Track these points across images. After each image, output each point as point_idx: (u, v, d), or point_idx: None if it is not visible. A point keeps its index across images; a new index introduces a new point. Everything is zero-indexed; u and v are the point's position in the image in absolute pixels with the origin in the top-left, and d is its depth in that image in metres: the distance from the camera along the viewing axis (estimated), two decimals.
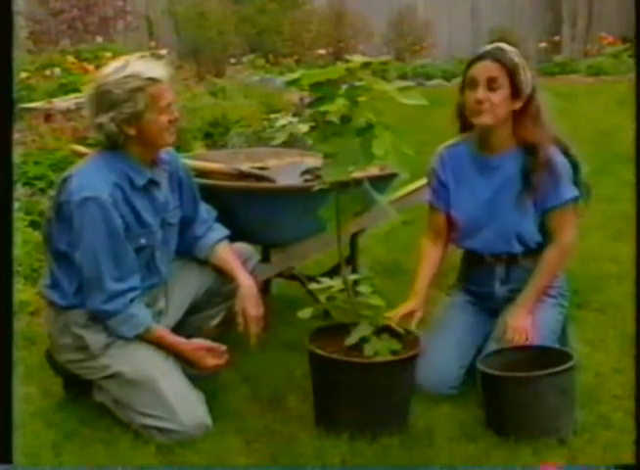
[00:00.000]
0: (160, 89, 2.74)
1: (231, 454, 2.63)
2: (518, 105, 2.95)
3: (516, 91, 2.92)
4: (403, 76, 10.87)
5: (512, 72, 2.91)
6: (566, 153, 3.02)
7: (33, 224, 4.34)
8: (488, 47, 3.00)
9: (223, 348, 2.85)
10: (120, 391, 2.77)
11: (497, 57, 2.93)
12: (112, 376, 2.77)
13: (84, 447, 2.66)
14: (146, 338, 2.78)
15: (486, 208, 3.03)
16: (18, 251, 3.96)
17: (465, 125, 3.04)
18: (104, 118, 2.72)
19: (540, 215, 3.00)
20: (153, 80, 2.72)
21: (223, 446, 2.66)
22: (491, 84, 2.90)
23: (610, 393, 2.98)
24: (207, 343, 2.86)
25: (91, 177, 2.72)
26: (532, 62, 12.86)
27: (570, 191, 2.98)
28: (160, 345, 2.80)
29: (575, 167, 3.04)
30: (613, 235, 4.70)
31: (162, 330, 2.83)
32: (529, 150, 2.96)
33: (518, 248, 3.04)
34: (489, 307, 3.15)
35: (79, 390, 2.92)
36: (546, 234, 3.02)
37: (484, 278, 3.11)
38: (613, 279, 4.04)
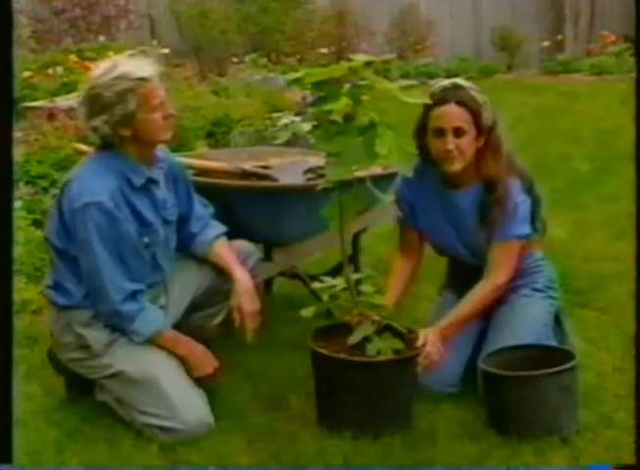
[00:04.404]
0: (151, 88, 2.74)
1: (233, 453, 2.63)
2: (482, 142, 2.94)
3: (480, 130, 2.91)
4: (406, 75, 10.93)
5: (476, 115, 2.89)
6: (528, 187, 2.99)
7: (36, 223, 4.34)
8: (446, 84, 2.93)
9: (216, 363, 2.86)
10: (122, 390, 2.77)
11: (460, 100, 2.88)
12: (114, 375, 2.77)
13: (86, 446, 2.66)
14: (158, 340, 2.79)
15: (453, 234, 3.06)
16: (20, 249, 3.96)
17: (427, 159, 2.98)
18: (97, 122, 2.73)
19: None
20: (142, 80, 2.71)
21: (225, 446, 2.66)
22: (458, 131, 2.89)
23: (612, 392, 2.98)
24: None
25: (90, 182, 2.72)
26: (535, 61, 12.92)
27: (518, 228, 2.94)
28: (170, 346, 2.81)
29: (536, 202, 3.01)
30: (615, 234, 4.69)
31: (174, 332, 2.85)
32: (490, 185, 2.95)
33: None
34: None
35: (81, 389, 2.92)
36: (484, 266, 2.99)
37: (470, 279, 3.11)
38: (615, 278, 4.04)
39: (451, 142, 2.89)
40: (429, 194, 3.06)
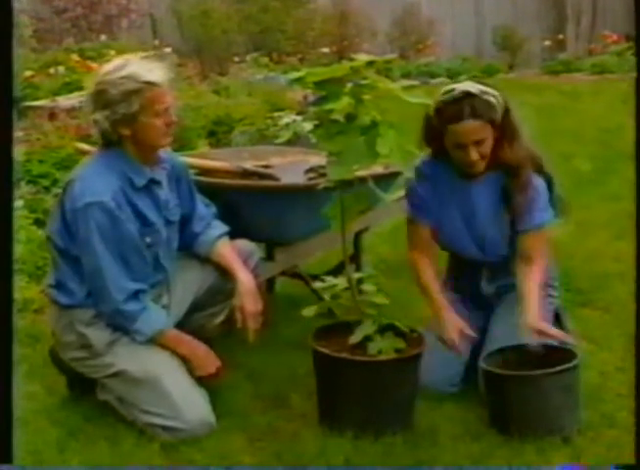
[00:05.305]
0: (157, 93, 2.74)
1: (235, 453, 2.63)
2: (498, 133, 2.90)
3: (496, 129, 2.88)
4: (407, 75, 10.91)
5: (492, 121, 2.85)
6: (540, 169, 2.99)
7: (37, 222, 4.35)
8: (456, 94, 2.83)
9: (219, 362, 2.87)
10: (124, 389, 2.77)
11: (475, 113, 2.82)
12: (116, 374, 2.78)
13: (88, 445, 2.66)
14: (160, 339, 2.79)
15: (463, 225, 3.04)
16: (22, 248, 3.97)
17: (438, 150, 2.97)
18: (99, 116, 2.74)
19: (515, 234, 2.98)
20: (149, 84, 2.72)
21: (227, 445, 2.66)
22: (478, 142, 2.86)
23: (613, 391, 2.98)
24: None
25: (92, 182, 2.73)
26: (537, 60, 12.91)
27: (543, 215, 2.95)
28: (172, 345, 2.81)
29: (550, 183, 3.01)
30: (617, 234, 4.69)
31: (176, 331, 2.85)
32: (510, 171, 2.94)
33: (496, 257, 3.06)
34: (479, 304, 3.16)
35: (83, 388, 2.93)
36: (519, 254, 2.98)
37: (471, 277, 3.11)
38: (617, 278, 4.04)
39: (474, 153, 2.86)
40: (442, 185, 3.03)
